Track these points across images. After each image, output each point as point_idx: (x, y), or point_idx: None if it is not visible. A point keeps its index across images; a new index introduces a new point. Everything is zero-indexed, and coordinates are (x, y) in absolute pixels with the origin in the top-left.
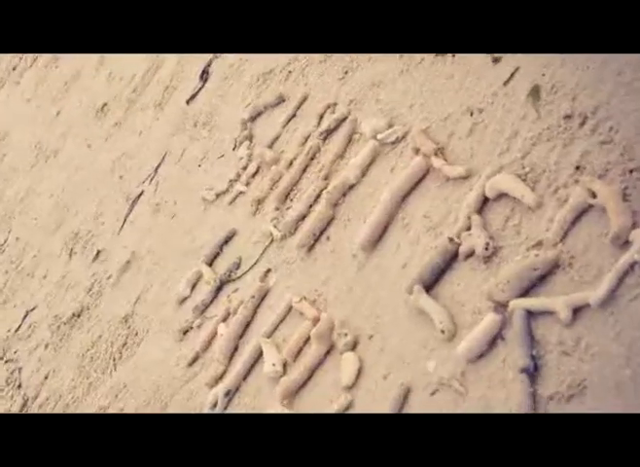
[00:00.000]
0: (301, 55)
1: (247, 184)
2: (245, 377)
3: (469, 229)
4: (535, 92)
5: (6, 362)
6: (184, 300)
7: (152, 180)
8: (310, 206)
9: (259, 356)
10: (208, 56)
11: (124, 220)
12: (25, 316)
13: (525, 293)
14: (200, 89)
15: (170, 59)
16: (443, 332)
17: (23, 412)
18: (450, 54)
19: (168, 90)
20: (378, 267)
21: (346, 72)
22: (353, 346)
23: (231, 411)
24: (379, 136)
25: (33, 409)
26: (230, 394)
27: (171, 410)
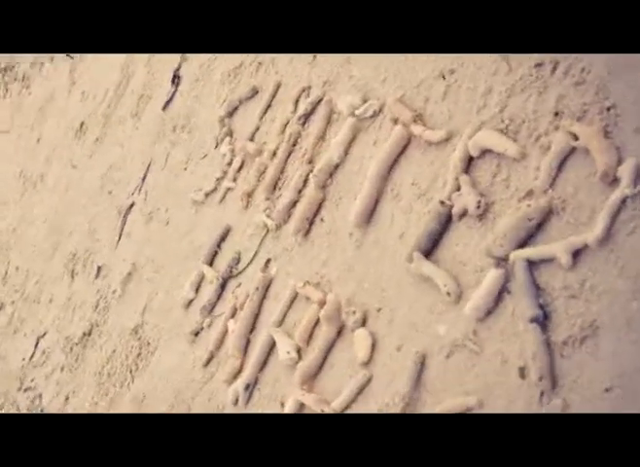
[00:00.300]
0: None
1: (234, 179)
2: (262, 369)
3: (458, 189)
4: None
5: (25, 391)
6: (190, 302)
7: (140, 190)
8: (300, 192)
9: (272, 346)
10: (177, 61)
11: (120, 233)
12: (37, 343)
13: (523, 244)
14: (174, 93)
15: (140, 69)
16: (448, 294)
17: None
18: None
19: (143, 100)
20: (376, 241)
21: (315, 55)
22: (363, 322)
23: (252, 404)
24: (357, 112)
25: None
26: (249, 387)
27: (194, 412)
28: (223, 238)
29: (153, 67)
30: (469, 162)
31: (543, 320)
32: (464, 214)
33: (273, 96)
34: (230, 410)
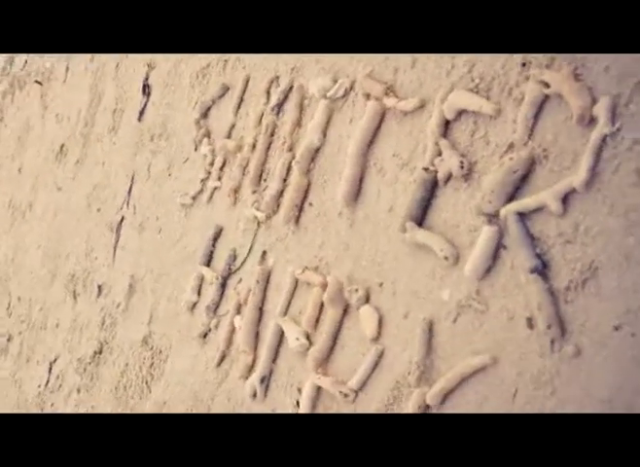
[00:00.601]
0: None
1: (219, 178)
2: (275, 360)
3: (440, 154)
4: None
5: None
6: (194, 305)
7: (128, 203)
8: (285, 180)
9: (281, 336)
10: (144, 70)
11: (115, 249)
12: (50, 368)
13: (512, 197)
14: (146, 103)
15: (109, 84)
16: (446, 258)
17: None
18: None
19: (117, 114)
20: (367, 217)
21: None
22: (367, 299)
23: (270, 395)
24: (329, 94)
25: None
26: (265, 380)
27: (214, 412)
28: (216, 238)
29: (121, 80)
30: (446, 126)
31: (542, 269)
32: (449, 177)
33: (244, 91)
34: (249, 404)
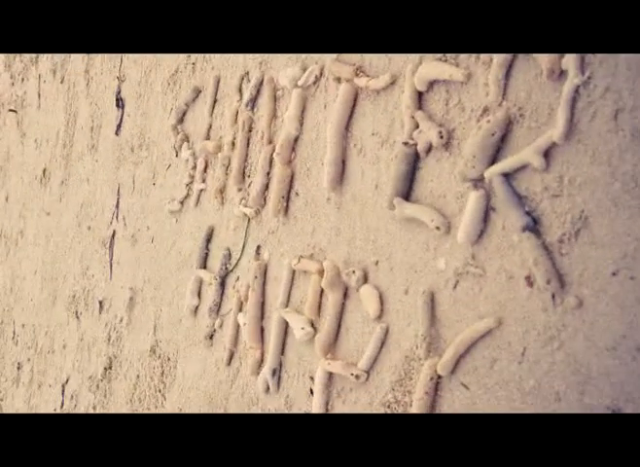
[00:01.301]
0: None
1: (203, 180)
2: (283, 352)
3: (417, 127)
4: None
5: None
6: (196, 309)
7: (117, 217)
8: (268, 173)
9: (286, 327)
10: (115, 84)
11: (110, 264)
12: (63, 390)
13: (494, 160)
14: (122, 116)
15: (82, 103)
16: (437, 228)
17: None
18: None
19: (95, 131)
20: (354, 198)
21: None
22: (365, 279)
23: (283, 386)
24: (300, 83)
25: None
26: (276, 373)
27: (232, 411)
28: (209, 239)
29: (94, 97)
30: (419, 98)
31: (534, 226)
32: (429, 149)
33: (216, 91)
34: (263, 399)
